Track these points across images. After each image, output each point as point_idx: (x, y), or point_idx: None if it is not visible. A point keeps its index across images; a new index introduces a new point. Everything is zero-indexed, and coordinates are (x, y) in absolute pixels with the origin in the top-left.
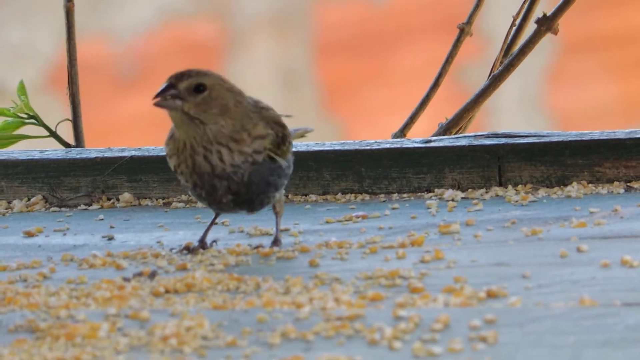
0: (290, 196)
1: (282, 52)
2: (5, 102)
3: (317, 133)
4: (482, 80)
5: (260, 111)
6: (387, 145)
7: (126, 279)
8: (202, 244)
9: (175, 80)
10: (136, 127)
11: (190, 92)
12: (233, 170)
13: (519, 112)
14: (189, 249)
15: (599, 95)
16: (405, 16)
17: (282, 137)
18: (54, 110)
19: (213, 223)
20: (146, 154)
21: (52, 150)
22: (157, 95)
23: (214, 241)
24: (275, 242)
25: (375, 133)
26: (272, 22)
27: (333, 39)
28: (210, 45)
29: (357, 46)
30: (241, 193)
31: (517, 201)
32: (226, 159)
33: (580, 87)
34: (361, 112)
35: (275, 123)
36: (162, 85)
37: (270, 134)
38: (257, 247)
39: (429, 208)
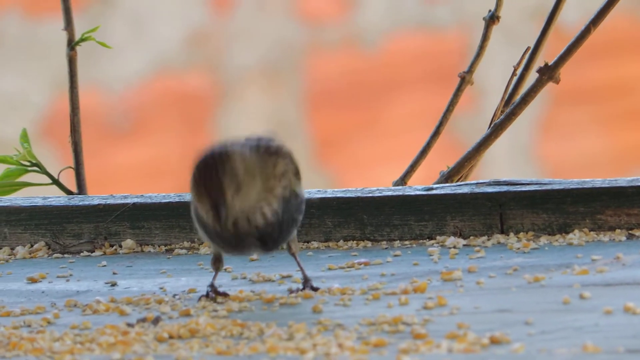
0: None
1: (273, 103)
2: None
3: (309, 184)
4: (475, 130)
5: (268, 146)
6: (389, 193)
7: (130, 325)
8: (214, 288)
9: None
10: (133, 176)
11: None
12: (271, 217)
13: (509, 161)
14: (208, 295)
15: (588, 146)
16: (395, 67)
17: (298, 171)
18: (48, 160)
19: (216, 275)
20: (148, 200)
21: (55, 197)
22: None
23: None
24: (306, 282)
25: (367, 183)
26: (263, 74)
27: (324, 90)
28: (202, 97)
29: (347, 97)
30: (269, 237)
31: (519, 248)
32: (267, 212)
33: (571, 137)
34: (353, 163)
35: (287, 153)
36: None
37: (290, 167)
38: (298, 290)
39: (431, 255)
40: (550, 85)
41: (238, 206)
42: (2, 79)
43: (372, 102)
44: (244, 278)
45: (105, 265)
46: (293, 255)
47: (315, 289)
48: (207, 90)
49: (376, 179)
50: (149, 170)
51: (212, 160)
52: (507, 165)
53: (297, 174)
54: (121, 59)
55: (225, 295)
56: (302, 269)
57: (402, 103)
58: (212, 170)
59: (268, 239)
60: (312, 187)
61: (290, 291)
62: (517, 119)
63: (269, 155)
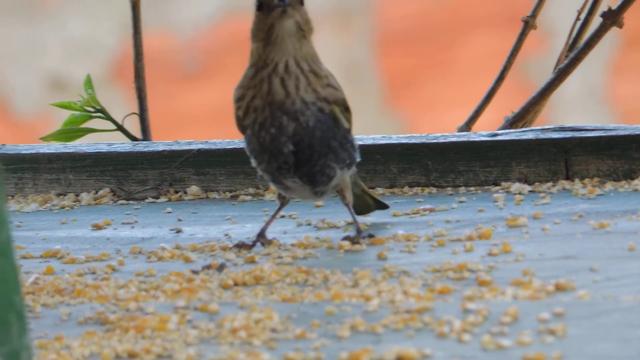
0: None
1: (344, 46)
2: (68, 95)
3: (379, 126)
4: (542, 74)
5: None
6: (454, 139)
7: (195, 272)
8: (260, 238)
9: None
10: (199, 121)
11: (297, 2)
12: (302, 109)
13: (580, 105)
14: (240, 246)
15: None
16: (466, 9)
17: (346, 105)
18: (117, 104)
19: (275, 216)
20: (213, 147)
21: (119, 143)
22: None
23: (273, 238)
24: (359, 233)
25: (437, 126)
26: (334, 16)
27: (394, 32)
28: None
29: (418, 39)
30: (303, 145)
31: (584, 194)
32: (302, 88)
33: None
34: (423, 105)
35: (337, 89)
36: None
37: (340, 90)
38: (368, 236)
39: (496, 201)
40: (619, 29)
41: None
42: (71, 23)
43: (442, 45)
44: (309, 224)
45: (170, 212)
46: (347, 205)
47: (370, 237)
48: None
49: (446, 122)
50: (216, 114)
51: None
52: (578, 108)
53: (346, 107)
54: (191, 1)
55: (270, 242)
56: (355, 221)
57: (472, 46)
58: None
59: (299, 151)
60: (382, 130)
61: (350, 240)
62: (586, 62)
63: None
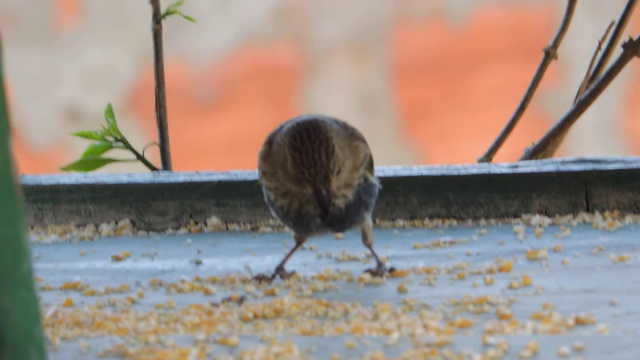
0: (377, 221)
1: (360, 76)
2: (84, 125)
3: (396, 158)
4: (558, 105)
5: (353, 132)
6: (475, 171)
7: (215, 304)
8: (280, 271)
9: (323, 183)
10: (216, 151)
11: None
12: (343, 205)
13: (596, 136)
14: (260, 279)
15: None
16: (482, 40)
17: (371, 157)
18: (133, 134)
19: (293, 252)
20: (234, 178)
21: (139, 173)
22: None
23: (293, 271)
24: (380, 265)
25: (453, 157)
26: (350, 46)
27: (411, 63)
28: (288, 70)
29: (434, 71)
30: (334, 220)
31: (604, 227)
32: (339, 204)
33: None
34: (439, 136)
35: (364, 141)
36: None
37: (368, 154)
38: (390, 270)
39: (516, 234)
40: (637, 59)
41: (336, 185)
42: (88, 52)
43: (458, 76)
44: (329, 257)
45: (190, 244)
46: (368, 246)
47: (391, 271)
48: (294, 64)
49: (462, 153)
50: (234, 144)
51: (314, 140)
52: (594, 140)
53: (371, 163)
54: (207, 32)
55: (289, 276)
56: (375, 255)
57: (488, 77)
58: (316, 153)
59: (335, 221)
60: (398, 161)
61: (371, 273)
62: (603, 94)
63: (353, 138)
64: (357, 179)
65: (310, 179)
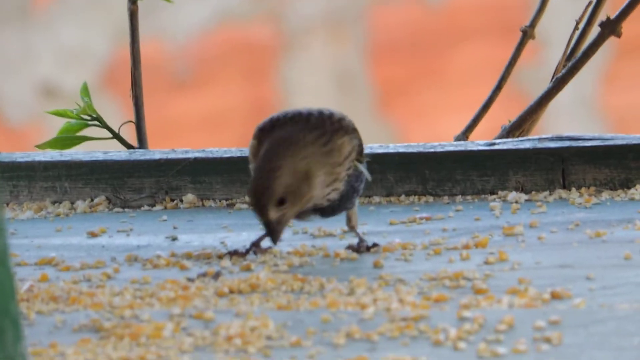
0: None
1: (337, 54)
2: (59, 103)
3: (373, 135)
4: (534, 83)
5: (341, 126)
6: (451, 148)
7: (190, 280)
8: (255, 247)
9: (260, 210)
10: (192, 128)
11: (276, 210)
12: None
13: (573, 113)
14: (232, 254)
15: None
16: (460, 18)
17: (361, 145)
18: (109, 112)
19: None
20: (210, 155)
21: (115, 151)
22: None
23: (269, 247)
24: (362, 240)
25: (431, 135)
26: (327, 24)
27: (388, 40)
28: (264, 47)
29: (411, 48)
30: (328, 210)
31: (580, 203)
32: (333, 196)
33: (635, 89)
34: (416, 114)
35: (354, 130)
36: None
37: (356, 144)
38: (350, 247)
39: (492, 210)
40: (613, 37)
41: (303, 206)
42: (64, 31)
43: (435, 54)
44: (305, 233)
45: (165, 220)
46: (352, 228)
47: (371, 247)
48: (270, 41)
49: (439, 131)
50: (211, 122)
51: (264, 166)
52: (571, 117)
53: (361, 152)
54: (184, 9)
55: (264, 251)
56: (358, 236)
57: (465, 55)
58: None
59: (328, 212)
60: (375, 139)
61: (352, 249)
62: (580, 72)
63: (338, 136)
64: (344, 172)
65: (251, 207)
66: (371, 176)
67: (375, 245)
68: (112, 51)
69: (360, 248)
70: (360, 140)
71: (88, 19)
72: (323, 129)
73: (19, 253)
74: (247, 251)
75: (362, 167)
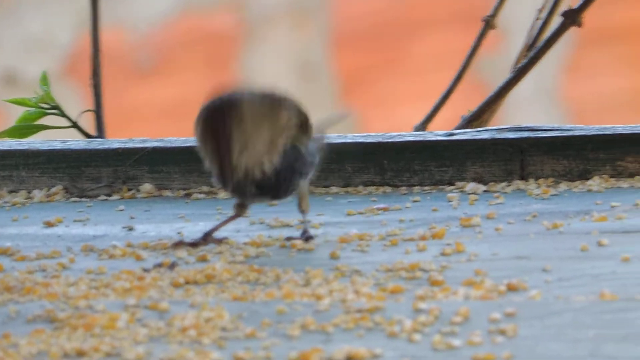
0: (311, 188)
1: (299, 42)
2: (20, 91)
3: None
4: (495, 73)
5: (273, 97)
6: (410, 138)
7: (146, 270)
8: (209, 237)
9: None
10: (152, 118)
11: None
12: (270, 172)
13: (534, 104)
14: (177, 245)
15: (614, 87)
16: (422, 7)
17: (305, 124)
18: (69, 100)
19: (227, 222)
20: (168, 145)
21: (73, 140)
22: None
23: (225, 237)
24: (305, 233)
25: (392, 124)
26: (289, 13)
27: (350, 29)
28: (227, 36)
29: (374, 37)
30: (268, 186)
31: (538, 195)
32: (267, 167)
33: (595, 79)
34: (377, 103)
35: (293, 105)
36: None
37: (294, 120)
38: (289, 238)
39: (450, 201)
40: (575, 28)
41: (243, 163)
42: (27, 19)
43: (397, 43)
44: (262, 223)
45: (122, 210)
46: (302, 212)
47: (308, 239)
48: (232, 30)
49: (400, 119)
50: (172, 110)
51: (220, 110)
52: (531, 108)
53: (303, 126)
54: None
55: (220, 242)
56: (306, 224)
57: (427, 44)
58: (220, 123)
59: (265, 188)
60: (336, 127)
61: (289, 239)
62: (541, 62)
63: (274, 106)
64: (280, 144)
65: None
66: (324, 163)
67: (308, 238)
68: (75, 40)
69: (304, 237)
70: (305, 120)
71: (52, 8)
72: (265, 97)
73: None
74: (197, 242)
75: (305, 149)
